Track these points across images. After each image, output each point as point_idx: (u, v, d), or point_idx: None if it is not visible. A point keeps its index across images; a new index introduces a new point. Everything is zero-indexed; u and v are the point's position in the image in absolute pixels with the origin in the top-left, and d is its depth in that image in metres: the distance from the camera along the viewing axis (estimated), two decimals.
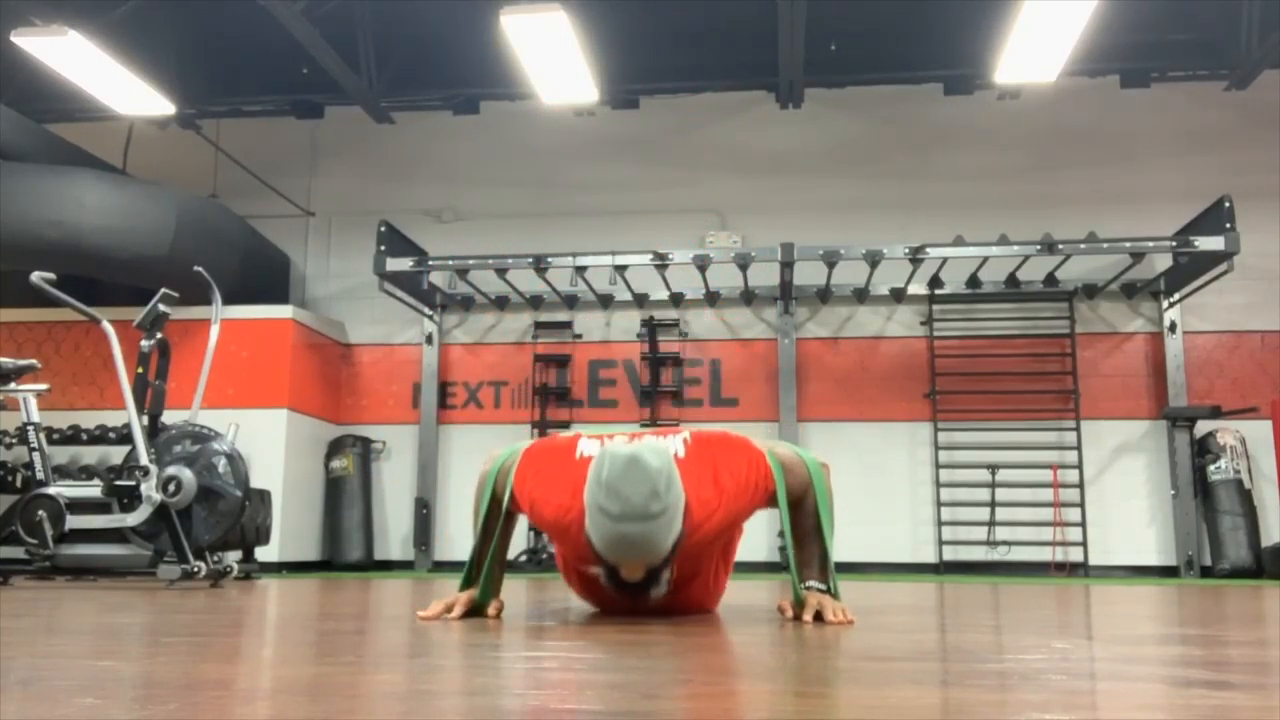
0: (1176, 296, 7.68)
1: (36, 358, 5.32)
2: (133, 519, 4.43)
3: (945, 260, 7.43)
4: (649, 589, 2.38)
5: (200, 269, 5.14)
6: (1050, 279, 7.73)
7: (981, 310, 8.04)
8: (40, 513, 4.53)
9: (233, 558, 4.93)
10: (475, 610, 2.43)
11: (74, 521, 4.54)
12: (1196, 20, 7.76)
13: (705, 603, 2.70)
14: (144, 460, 4.41)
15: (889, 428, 7.97)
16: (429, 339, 8.43)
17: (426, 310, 8.36)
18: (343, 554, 7.91)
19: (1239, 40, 7.46)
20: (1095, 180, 8.14)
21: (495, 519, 2.49)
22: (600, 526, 2.10)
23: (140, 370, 4.65)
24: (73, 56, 6.86)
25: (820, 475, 2.48)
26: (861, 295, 8.00)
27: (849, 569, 7.01)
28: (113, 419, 7.07)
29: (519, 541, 7.73)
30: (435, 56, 8.36)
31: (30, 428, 4.81)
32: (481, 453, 2.58)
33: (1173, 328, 7.76)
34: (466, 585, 2.51)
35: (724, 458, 2.38)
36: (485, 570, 2.46)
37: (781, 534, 2.45)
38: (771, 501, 2.42)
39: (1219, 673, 1.52)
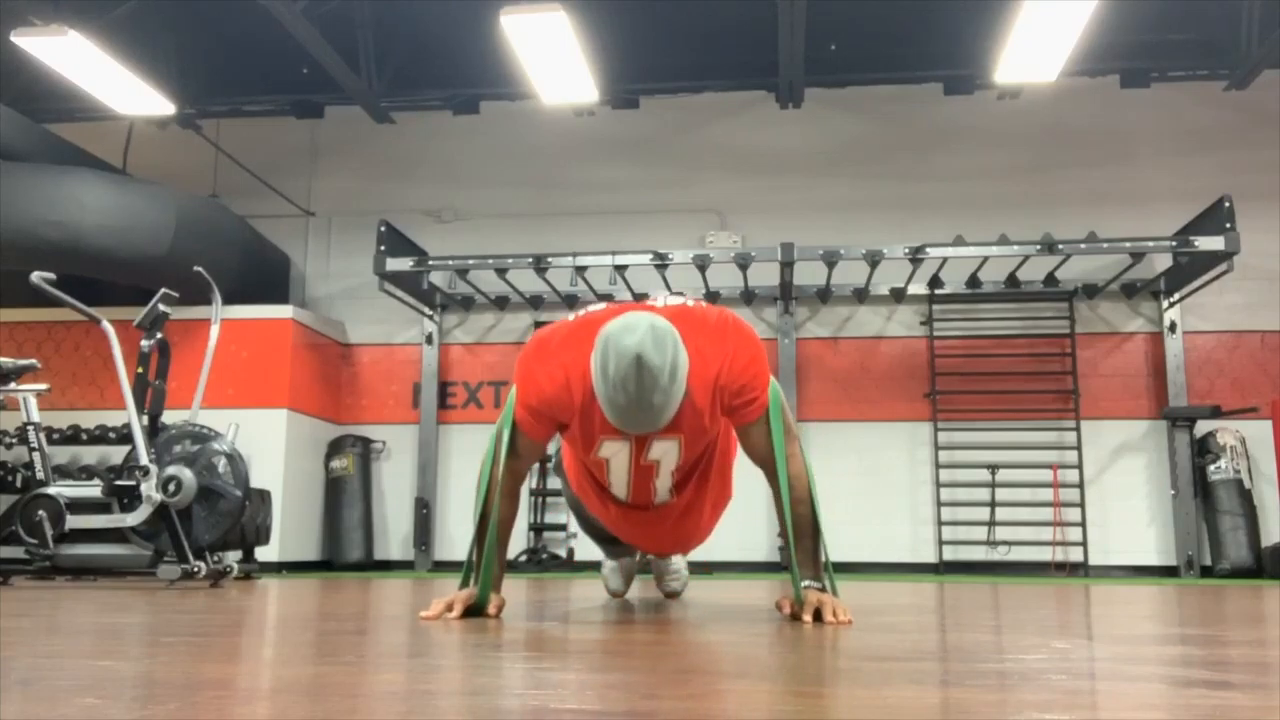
0: (1176, 296, 7.68)
1: (36, 358, 5.32)
2: (133, 519, 4.43)
3: (945, 260, 7.43)
4: (653, 496, 2.54)
5: (200, 269, 5.14)
6: (1050, 279, 7.73)
7: (981, 310, 8.04)
8: (40, 513, 4.53)
9: (233, 558, 4.93)
10: (475, 608, 2.43)
11: (74, 521, 4.55)
12: (1196, 20, 7.76)
13: (707, 515, 2.74)
14: (144, 460, 4.41)
15: (889, 428, 7.98)
16: (429, 339, 8.43)
17: (426, 310, 8.36)
18: (343, 554, 7.91)
19: (1239, 40, 7.46)
20: (1095, 180, 8.14)
21: (492, 500, 2.47)
22: (610, 410, 2.22)
23: (140, 370, 4.65)
24: (72, 56, 6.86)
25: (812, 472, 2.48)
26: (861, 295, 8.00)
27: (849, 569, 7.02)
28: (113, 419, 7.07)
29: (519, 541, 7.74)
30: (435, 56, 8.36)
31: (30, 428, 4.81)
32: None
33: (1173, 328, 7.76)
34: (466, 583, 2.51)
35: (737, 334, 2.40)
36: (485, 567, 2.46)
37: (782, 534, 2.45)
38: (761, 415, 2.40)
39: (1219, 673, 1.52)
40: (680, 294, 7.99)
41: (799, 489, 2.42)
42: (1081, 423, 7.73)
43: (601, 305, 2.49)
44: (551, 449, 2.83)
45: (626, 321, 2.20)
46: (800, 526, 2.43)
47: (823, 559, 2.45)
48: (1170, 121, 8.18)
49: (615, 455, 2.49)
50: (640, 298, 8.06)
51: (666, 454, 2.48)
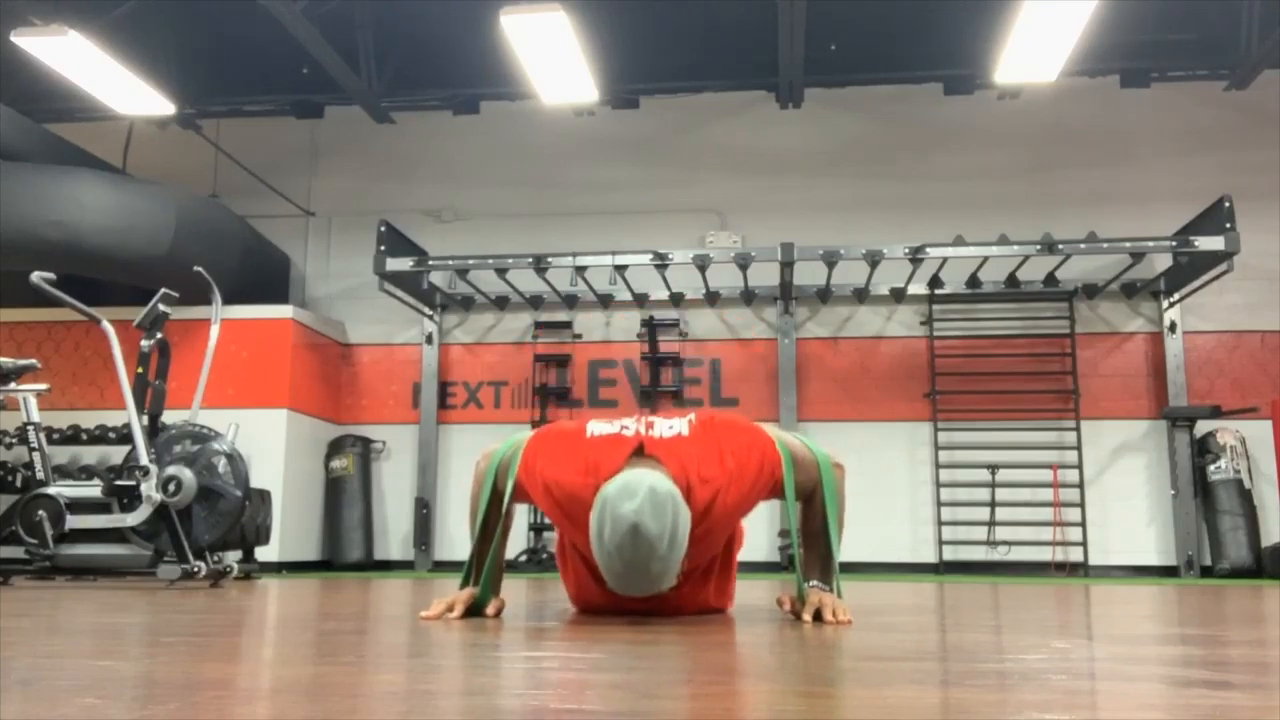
0: (1176, 296, 7.68)
1: (36, 358, 5.32)
2: (133, 519, 4.43)
3: (945, 260, 7.43)
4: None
5: (200, 269, 5.14)
6: (1050, 279, 7.73)
7: (981, 310, 8.04)
8: (40, 513, 4.53)
9: (233, 558, 4.93)
10: (475, 609, 2.43)
11: (74, 521, 4.54)
12: (1196, 20, 7.76)
13: (712, 601, 2.68)
14: (144, 460, 4.41)
15: (889, 428, 7.98)
16: (429, 339, 8.43)
17: (426, 310, 8.36)
18: (343, 554, 7.91)
19: (1239, 40, 7.46)
20: (1095, 180, 8.14)
21: (496, 516, 2.48)
22: (608, 574, 2.20)
23: (140, 370, 4.64)
24: (73, 56, 6.86)
25: (830, 475, 2.45)
26: (861, 295, 8.00)
27: (849, 569, 6.97)
28: (113, 419, 7.07)
29: (519, 541, 7.74)
30: (435, 56, 8.36)
31: (30, 428, 4.81)
32: (482, 454, 2.57)
33: (1173, 328, 7.76)
34: (466, 584, 2.51)
35: (730, 438, 2.37)
36: (485, 569, 2.46)
37: (783, 533, 2.45)
38: (778, 490, 2.40)
39: (1219, 673, 1.52)
40: (680, 300, 8.05)
41: (816, 510, 2.43)
42: (1081, 423, 7.73)
43: (611, 425, 2.41)
44: None
45: (626, 484, 2.14)
46: (812, 535, 2.44)
47: (833, 565, 2.45)
48: (1170, 121, 8.18)
49: None
50: (640, 298, 8.08)
51: None
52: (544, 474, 2.37)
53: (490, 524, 2.49)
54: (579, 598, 2.67)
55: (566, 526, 2.52)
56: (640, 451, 2.28)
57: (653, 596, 2.50)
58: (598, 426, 2.42)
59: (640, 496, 2.10)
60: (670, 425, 2.39)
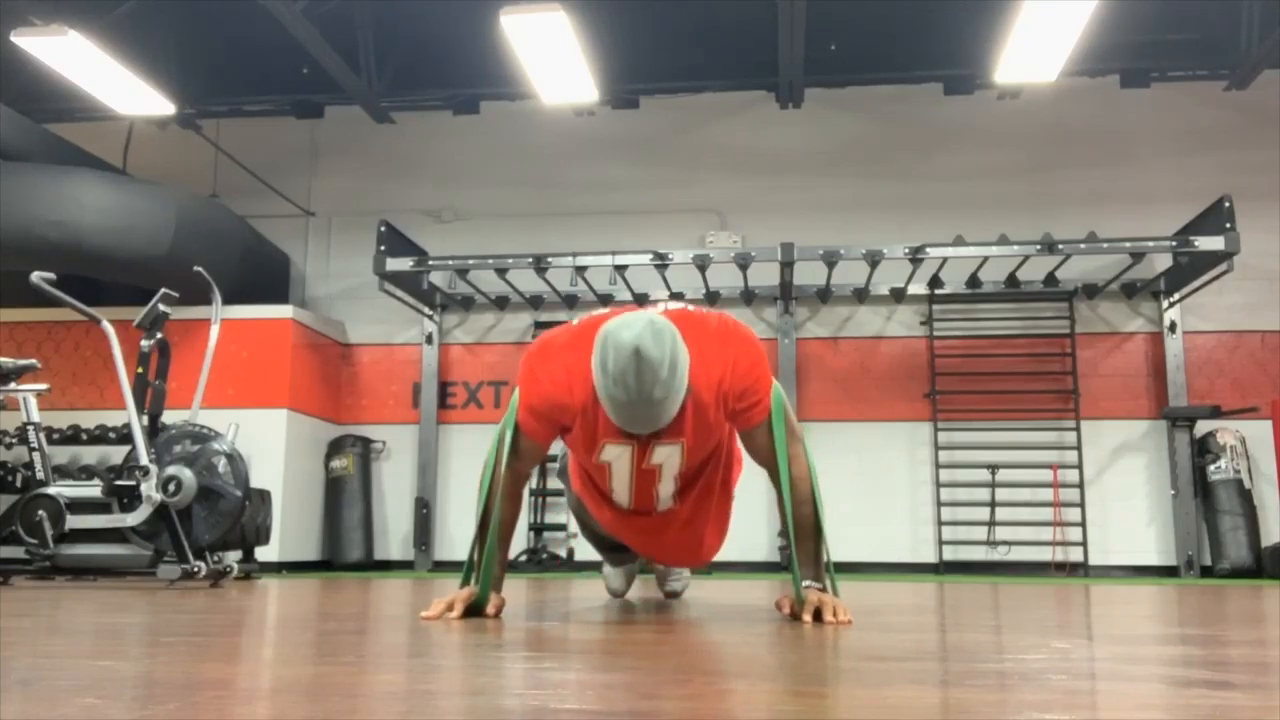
0: (1176, 296, 7.68)
1: (36, 358, 5.32)
2: (133, 519, 4.43)
3: (945, 260, 7.43)
4: (655, 502, 2.54)
5: (200, 269, 5.14)
6: (1050, 279, 7.73)
7: (981, 310, 8.04)
8: (40, 512, 4.53)
9: (233, 558, 4.93)
10: (475, 607, 2.43)
11: (74, 521, 4.54)
12: (1196, 20, 7.76)
13: (709, 532, 2.71)
14: (144, 460, 4.41)
15: (889, 428, 7.98)
16: (429, 339, 8.43)
17: (426, 310, 8.36)
18: (343, 554, 7.91)
19: (1239, 40, 7.46)
20: (1095, 180, 8.14)
21: (494, 501, 2.47)
22: (611, 407, 2.23)
23: (140, 370, 4.64)
24: (73, 56, 6.86)
25: (816, 472, 2.48)
26: (861, 295, 8.00)
27: (849, 569, 7.01)
28: (113, 419, 7.07)
29: (519, 541, 7.74)
30: (435, 56, 8.36)
31: (30, 428, 4.81)
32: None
33: (1173, 328, 7.76)
34: (467, 583, 2.51)
35: (737, 340, 2.40)
36: (485, 567, 2.46)
37: (782, 533, 2.45)
38: (764, 412, 2.40)
39: (1219, 673, 1.52)
40: (680, 299, 8.07)
41: (802, 490, 2.43)
42: (1081, 423, 7.73)
43: (604, 309, 2.49)
44: (556, 449, 2.82)
45: (624, 319, 2.21)
46: (802, 527, 2.43)
47: (825, 560, 2.45)
48: (1170, 121, 8.18)
49: (617, 459, 2.48)
50: (640, 299, 8.07)
51: (669, 459, 2.47)
52: (540, 382, 2.39)
53: (488, 514, 2.49)
54: (585, 497, 2.74)
55: (569, 439, 2.53)
56: None
57: (658, 517, 2.56)
58: (592, 312, 2.50)
59: (639, 326, 2.16)
60: (683, 305, 2.46)
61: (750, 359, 2.38)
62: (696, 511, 2.63)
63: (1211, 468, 7.40)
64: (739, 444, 2.67)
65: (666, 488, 2.55)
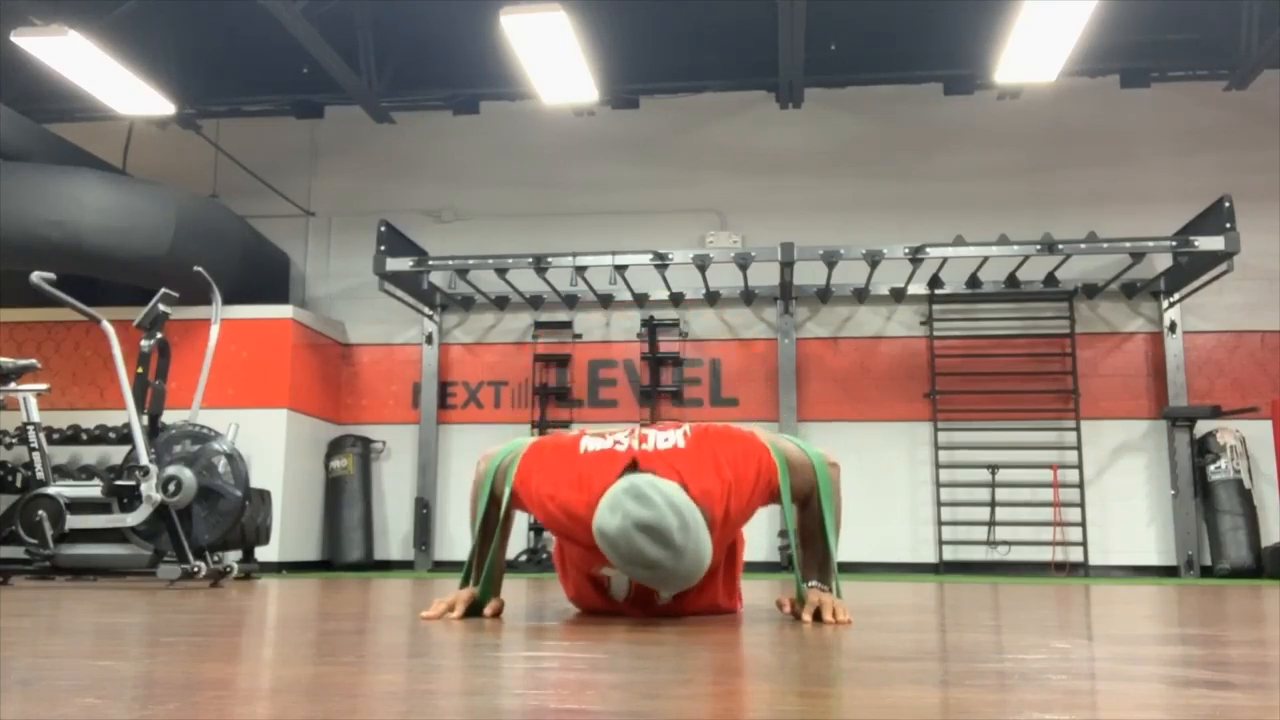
0: (1176, 296, 7.68)
1: (36, 358, 5.32)
2: (133, 519, 4.43)
3: (945, 260, 7.43)
4: (656, 599, 2.45)
5: (200, 269, 5.14)
6: (1050, 279, 7.73)
7: (981, 310, 8.04)
8: (40, 512, 4.53)
9: (233, 558, 4.93)
10: (475, 609, 2.43)
11: (74, 521, 4.54)
12: (1196, 20, 7.76)
13: (721, 602, 2.65)
14: (144, 460, 4.41)
15: (889, 428, 7.97)
16: (429, 339, 8.43)
17: (426, 310, 8.36)
18: (343, 554, 7.91)
19: (1239, 40, 7.47)
20: (1095, 180, 8.14)
21: (494, 518, 2.48)
22: (651, 581, 2.18)
23: (140, 370, 4.64)
24: (73, 56, 6.86)
25: (826, 475, 2.45)
26: (861, 295, 8.00)
27: (849, 569, 7.00)
28: (113, 419, 7.07)
29: (519, 541, 7.74)
30: (435, 56, 8.36)
31: (30, 428, 4.81)
32: (481, 454, 2.57)
33: (1173, 328, 7.76)
34: (467, 583, 2.51)
35: (725, 448, 2.36)
36: (485, 569, 2.46)
37: (782, 533, 2.45)
38: (774, 496, 2.40)
39: (1219, 673, 1.52)
40: (679, 300, 8.05)
41: (812, 513, 2.43)
42: (1081, 423, 7.73)
43: (603, 441, 2.39)
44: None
45: (604, 507, 2.12)
46: (810, 535, 2.44)
47: (831, 564, 2.45)
48: (1170, 121, 8.18)
49: (616, 574, 2.43)
50: (640, 298, 8.08)
51: None
52: (539, 488, 2.36)
53: (489, 525, 2.49)
54: (579, 600, 2.67)
55: (562, 539, 2.52)
56: (634, 466, 2.26)
57: (657, 608, 2.50)
58: (591, 442, 2.40)
59: (622, 504, 2.08)
60: (665, 438, 2.37)
61: (743, 460, 2.34)
62: (700, 595, 2.53)
63: (1211, 468, 7.41)
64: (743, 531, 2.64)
65: (666, 595, 2.47)
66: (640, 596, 2.50)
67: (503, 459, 2.47)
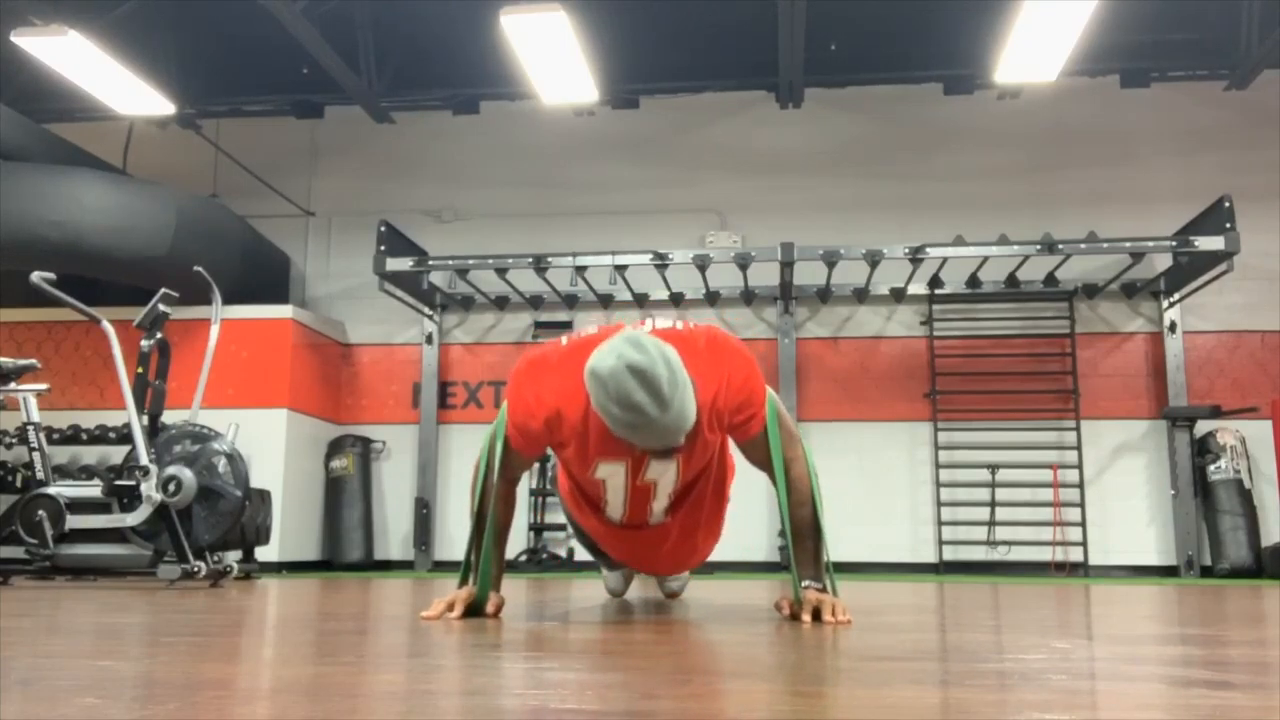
0: (1176, 296, 7.68)
1: (36, 358, 5.32)
2: (133, 519, 4.43)
3: (945, 260, 7.43)
4: (649, 516, 2.51)
5: (200, 269, 5.14)
6: (1050, 279, 7.73)
7: (981, 310, 8.04)
8: (40, 512, 4.53)
9: (233, 558, 4.93)
10: (475, 607, 2.43)
11: (74, 521, 4.54)
12: (1196, 20, 7.76)
13: (701, 538, 2.69)
14: (144, 460, 4.41)
15: (889, 428, 7.97)
16: (429, 339, 8.43)
17: (426, 310, 8.36)
18: (343, 554, 7.91)
19: (1239, 40, 7.46)
20: (1095, 180, 8.14)
21: (496, 504, 2.48)
22: (632, 433, 2.15)
23: (140, 370, 4.64)
24: (73, 56, 6.86)
25: (815, 469, 2.48)
26: (861, 295, 8.00)
27: (849, 569, 7.01)
28: (113, 419, 7.06)
29: (519, 541, 7.74)
30: (435, 56, 8.36)
31: (30, 428, 4.81)
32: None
33: (1173, 327, 7.76)
34: (465, 582, 2.51)
35: (726, 352, 2.37)
36: (483, 565, 2.46)
37: (782, 534, 2.45)
38: (760, 423, 2.38)
39: (1219, 673, 1.52)
40: (679, 301, 8.06)
41: (801, 491, 2.42)
42: (1081, 423, 7.73)
43: (593, 329, 2.45)
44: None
45: (600, 349, 2.14)
46: (801, 528, 2.43)
47: (824, 560, 2.45)
48: (1170, 121, 8.18)
49: (611, 476, 2.46)
50: (640, 298, 8.08)
51: (664, 475, 2.45)
52: (527, 399, 2.35)
53: (483, 512, 2.49)
54: (579, 520, 2.73)
55: (560, 452, 2.50)
56: None
57: (651, 530, 2.55)
58: (582, 330, 2.45)
59: (616, 345, 2.10)
60: (667, 321, 2.41)
61: (743, 372, 2.36)
62: (689, 523, 2.60)
63: (1211, 468, 7.40)
64: (733, 452, 2.66)
65: (660, 503, 2.53)
66: (635, 514, 2.54)
67: (492, 430, 2.49)
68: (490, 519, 2.48)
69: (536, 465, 7.62)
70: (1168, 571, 7.53)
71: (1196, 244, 6.99)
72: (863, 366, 8.11)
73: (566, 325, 8.41)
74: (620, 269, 7.53)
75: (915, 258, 7.24)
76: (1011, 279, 7.81)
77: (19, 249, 6.79)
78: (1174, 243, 7.10)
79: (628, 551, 2.80)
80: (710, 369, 2.29)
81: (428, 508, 8.12)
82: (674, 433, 2.16)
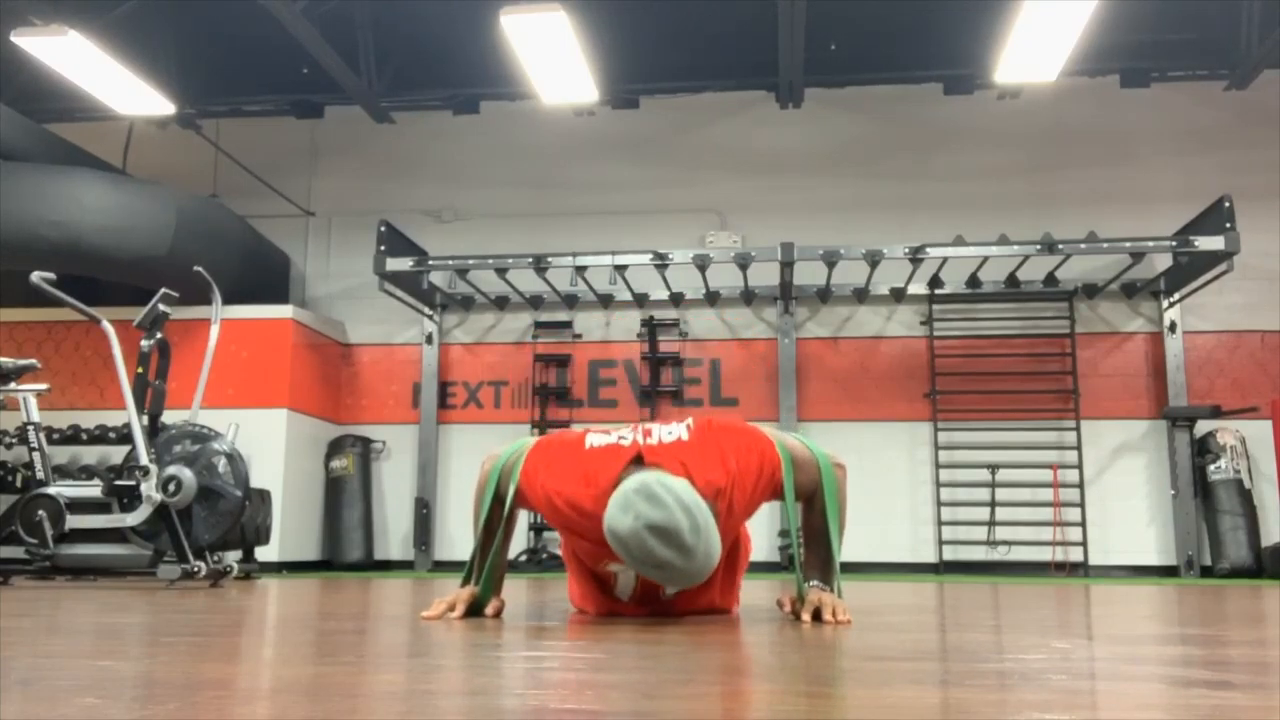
0: (1176, 296, 7.68)
1: (36, 358, 5.32)
2: (133, 519, 4.43)
3: (945, 260, 7.43)
4: (660, 594, 2.47)
5: (200, 269, 5.14)
6: (1050, 279, 7.73)
7: (981, 310, 8.04)
8: (40, 512, 4.53)
9: (233, 558, 4.93)
10: (476, 608, 2.43)
11: (74, 521, 4.54)
12: (1196, 20, 7.76)
13: (718, 602, 2.66)
14: (144, 460, 4.41)
15: (889, 428, 7.97)
16: (429, 339, 8.43)
17: (426, 310, 8.36)
18: (343, 554, 7.91)
19: (1239, 40, 7.47)
20: (1095, 180, 8.14)
21: (497, 518, 2.48)
22: (661, 578, 2.18)
23: (140, 370, 4.64)
24: (73, 56, 6.86)
25: (831, 475, 2.44)
26: (861, 295, 8.00)
27: (849, 569, 6.98)
28: (113, 419, 7.06)
29: (519, 541, 7.74)
30: (435, 56, 8.36)
31: (30, 428, 4.81)
32: (481, 453, 2.57)
33: (1173, 327, 7.76)
34: (468, 583, 2.50)
35: (730, 440, 2.35)
36: (486, 568, 2.46)
37: (783, 533, 2.44)
38: (778, 492, 2.39)
39: (1219, 673, 1.52)
40: (679, 301, 8.05)
41: (817, 512, 2.42)
42: (1081, 423, 7.73)
43: (598, 438, 2.39)
44: None
45: (616, 502, 2.12)
46: (814, 536, 2.43)
47: (834, 565, 2.44)
48: (1170, 121, 8.18)
49: (623, 571, 2.44)
50: (640, 298, 8.08)
51: None
52: (545, 484, 2.36)
53: (492, 525, 2.49)
54: (583, 602, 2.67)
55: (569, 535, 2.52)
56: (639, 461, 2.26)
57: (661, 604, 2.51)
58: (596, 438, 2.40)
59: (633, 504, 2.08)
60: (669, 431, 2.37)
61: (746, 452, 2.33)
62: (700, 594, 2.54)
63: (1211, 468, 7.40)
64: (747, 528, 2.65)
65: (671, 591, 2.49)
66: (645, 595, 2.50)
67: (507, 459, 2.47)
68: (493, 524, 2.48)
69: None
70: (1168, 571, 7.53)
71: (1196, 244, 6.99)
72: (863, 366, 8.11)
73: (566, 325, 8.42)
74: (620, 269, 7.53)
75: (915, 258, 7.24)
76: (1011, 279, 7.81)
77: (19, 249, 6.79)
78: (1174, 243, 7.10)
79: (634, 613, 2.74)
80: (719, 468, 2.27)
81: (428, 508, 8.12)
82: (702, 574, 2.17)
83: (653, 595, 2.51)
